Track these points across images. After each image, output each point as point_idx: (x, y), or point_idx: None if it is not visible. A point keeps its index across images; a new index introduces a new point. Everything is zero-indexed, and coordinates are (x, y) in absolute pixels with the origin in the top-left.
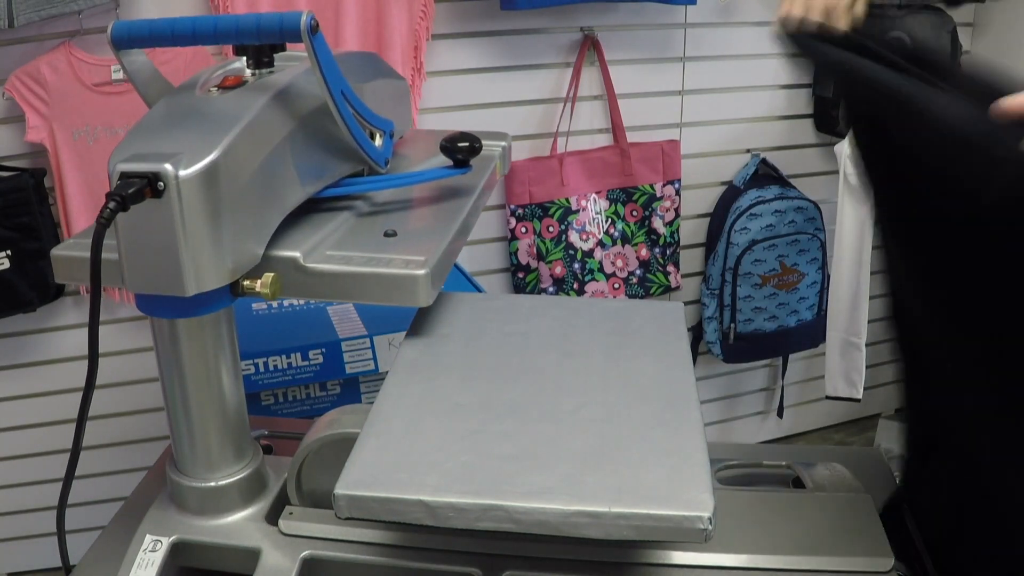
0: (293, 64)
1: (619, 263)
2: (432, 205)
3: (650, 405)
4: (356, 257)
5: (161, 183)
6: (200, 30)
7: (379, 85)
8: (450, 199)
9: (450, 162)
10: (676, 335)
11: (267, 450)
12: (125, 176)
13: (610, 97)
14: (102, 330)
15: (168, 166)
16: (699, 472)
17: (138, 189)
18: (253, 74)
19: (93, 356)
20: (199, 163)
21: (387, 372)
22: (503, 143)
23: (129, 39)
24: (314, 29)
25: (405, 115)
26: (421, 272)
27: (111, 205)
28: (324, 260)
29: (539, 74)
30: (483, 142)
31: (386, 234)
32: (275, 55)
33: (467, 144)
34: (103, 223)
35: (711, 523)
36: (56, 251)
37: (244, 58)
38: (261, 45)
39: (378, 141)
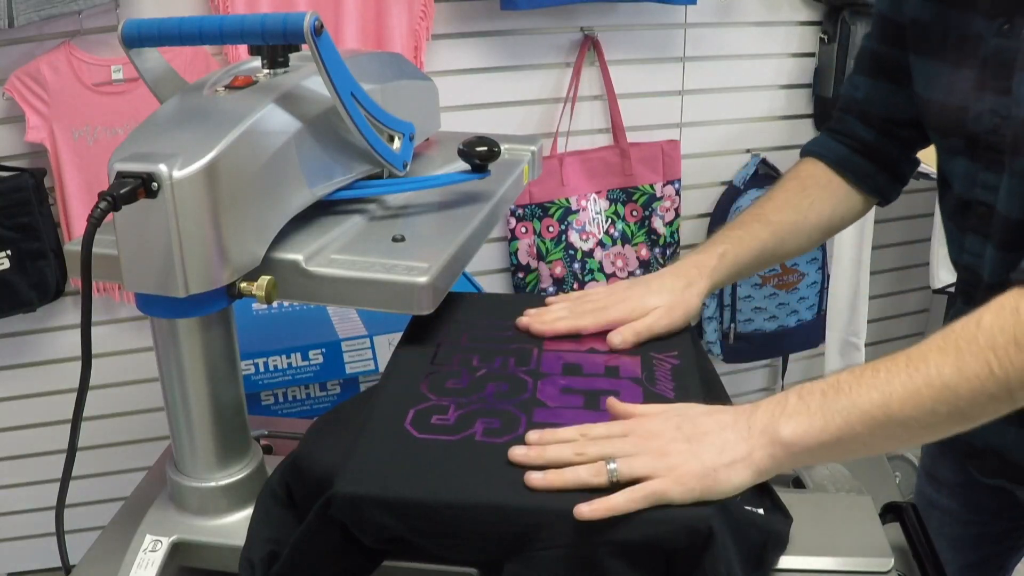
0: (309, 64)
1: (619, 263)
2: (447, 210)
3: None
4: (359, 262)
5: (155, 183)
6: (206, 30)
7: (401, 86)
8: (467, 204)
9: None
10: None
11: (267, 450)
12: (121, 175)
13: (610, 97)
14: (102, 330)
15: (163, 167)
16: None
17: (131, 189)
18: (267, 74)
19: (86, 354)
20: (195, 164)
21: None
22: (532, 148)
23: (140, 38)
24: (318, 30)
25: (432, 117)
26: (422, 280)
27: (102, 205)
28: (327, 264)
29: (539, 74)
30: (510, 146)
31: (395, 239)
32: (291, 55)
33: (485, 148)
34: (94, 223)
35: None
36: (69, 246)
37: (259, 58)
38: (275, 45)
39: (396, 144)
